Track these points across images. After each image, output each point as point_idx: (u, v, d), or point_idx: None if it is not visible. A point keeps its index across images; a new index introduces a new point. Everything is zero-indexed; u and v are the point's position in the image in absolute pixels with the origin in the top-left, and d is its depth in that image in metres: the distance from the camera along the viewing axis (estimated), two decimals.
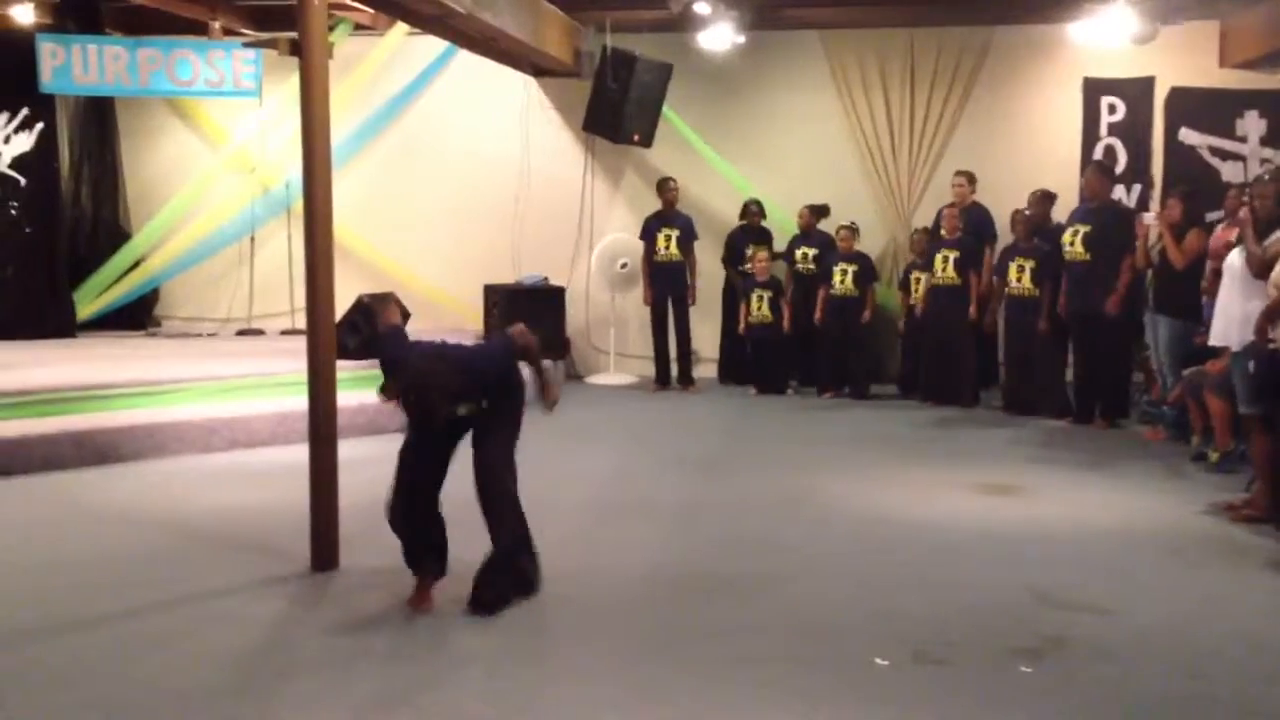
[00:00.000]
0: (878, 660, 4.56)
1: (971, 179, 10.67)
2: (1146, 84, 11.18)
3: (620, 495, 7.36)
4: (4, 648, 4.73)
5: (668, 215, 11.43)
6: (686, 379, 11.48)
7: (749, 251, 11.36)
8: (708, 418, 10.15)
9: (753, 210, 11.48)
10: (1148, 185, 11.21)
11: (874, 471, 8.01)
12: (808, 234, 11.30)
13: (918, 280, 10.76)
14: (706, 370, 11.88)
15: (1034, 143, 11.47)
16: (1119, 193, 10.92)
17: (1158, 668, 4.56)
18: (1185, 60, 11.07)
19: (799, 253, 11.26)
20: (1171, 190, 9.58)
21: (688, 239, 11.34)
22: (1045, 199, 10.40)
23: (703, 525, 6.69)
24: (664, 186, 11.50)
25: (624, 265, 11.85)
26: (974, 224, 10.55)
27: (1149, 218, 9.63)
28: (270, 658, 4.67)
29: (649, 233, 11.43)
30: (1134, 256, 9.40)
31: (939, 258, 10.48)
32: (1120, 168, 11.15)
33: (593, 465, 8.19)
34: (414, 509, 5.24)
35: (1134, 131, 11.26)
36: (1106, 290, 9.42)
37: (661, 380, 11.53)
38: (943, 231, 10.59)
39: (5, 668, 4.52)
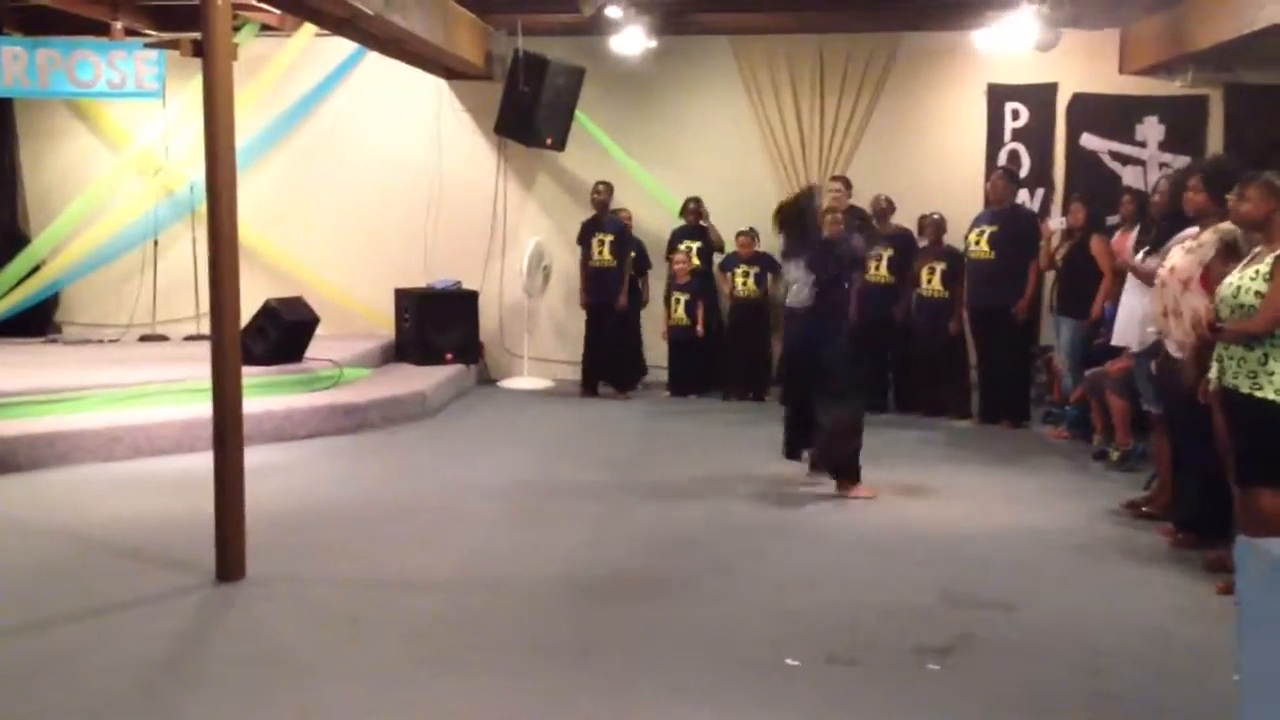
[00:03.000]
0: (789, 661, 4.60)
1: (848, 184, 10.83)
2: (1049, 90, 11.41)
3: (534, 499, 7.33)
4: None
5: (600, 220, 11.38)
6: (623, 385, 11.39)
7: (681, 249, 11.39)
8: (623, 421, 10.14)
9: (690, 208, 11.46)
10: (1050, 189, 11.45)
11: (782, 474, 8.06)
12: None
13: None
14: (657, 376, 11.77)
15: (940, 148, 11.64)
16: (1023, 197, 11.14)
17: (1062, 663, 4.66)
18: (1086, 66, 11.32)
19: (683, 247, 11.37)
20: (1074, 195, 9.82)
21: (622, 244, 11.28)
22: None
23: (615, 529, 6.68)
24: (592, 191, 11.45)
25: (547, 267, 11.83)
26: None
27: (1054, 222, 9.87)
28: (176, 670, 4.57)
29: (584, 238, 11.37)
30: (1038, 260, 9.61)
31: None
32: (1024, 172, 11.36)
33: (503, 470, 8.14)
34: None
35: (1037, 137, 11.49)
36: (1011, 289, 9.66)
37: (588, 386, 11.43)
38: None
39: None
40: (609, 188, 11.41)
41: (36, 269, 11.92)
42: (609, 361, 11.39)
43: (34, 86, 11.22)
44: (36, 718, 4.09)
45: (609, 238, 11.26)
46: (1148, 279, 6.68)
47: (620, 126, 11.89)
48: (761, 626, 5.04)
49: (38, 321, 12.08)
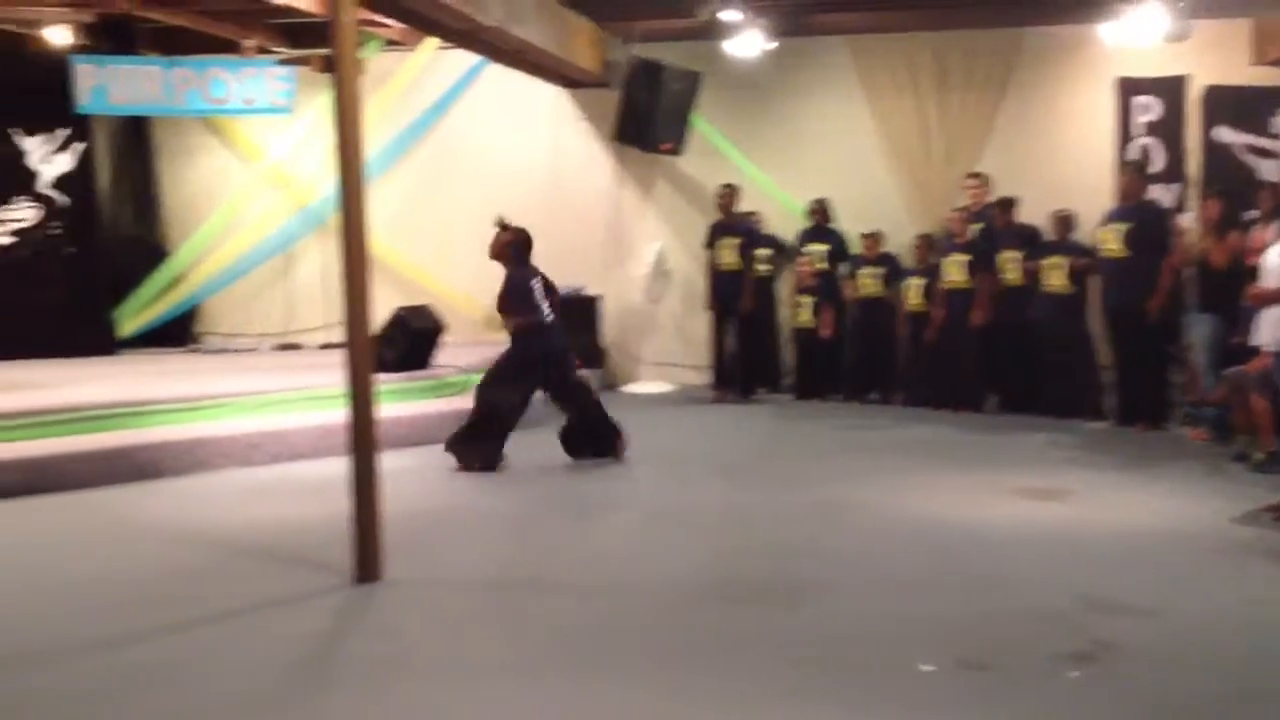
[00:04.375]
0: (922, 666, 4.55)
1: (985, 180, 10.68)
2: (1180, 83, 11.10)
3: (657, 503, 7.36)
4: (43, 666, 4.77)
5: (727, 223, 11.37)
6: (751, 389, 11.36)
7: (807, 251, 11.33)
8: (748, 425, 10.12)
9: (815, 210, 11.40)
10: (1184, 185, 11.12)
11: (911, 477, 7.97)
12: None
13: (916, 286, 10.75)
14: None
15: (1067, 143, 11.40)
16: (1156, 193, 10.84)
17: (1204, 670, 4.52)
18: (1218, 58, 10.98)
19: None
20: (1209, 189, 9.53)
21: (750, 246, 11.27)
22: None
23: (742, 532, 6.68)
24: (717, 194, 11.43)
25: (668, 272, 11.87)
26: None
27: (1188, 218, 9.59)
28: (314, 670, 4.70)
29: (710, 241, 11.38)
30: (1173, 257, 9.36)
31: (949, 262, 10.49)
32: (1156, 168, 11.06)
33: (627, 474, 8.20)
34: None
35: (1168, 131, 11.17)
36: (1144, 286, 9.41)
37: (721, 389, 11.42)
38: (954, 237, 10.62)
39: (46, 686, 4.55)
40: (733, 190, 11.40)
41: (177, 281, 12.37)
42: (737, 365, 11.37)
43: (170, 104, 11.63)
44: (179, 716, 4.24)
45: (735, 241, 11.24)
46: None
47: (738, 130, 11.89)
48: (888, 630, 4.99)
49: (179, 332, 12.55)
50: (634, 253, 12.16)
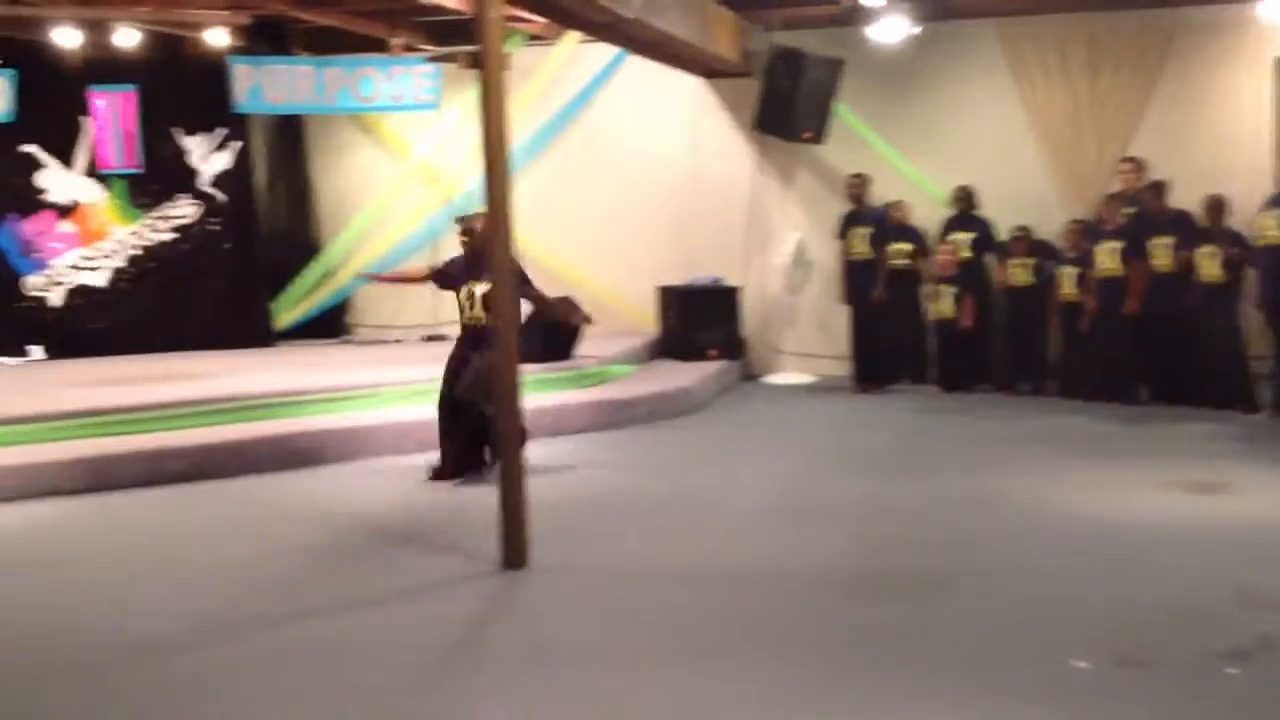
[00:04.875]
0: (1077, 663, 4.45)
1: (1140, 164, 10.32)
2: None
3: (798, 495, 7.34)
4: (201, 645, 4.99)
5: (859, 212, 11.27)
6: (885, 381, 11.22)
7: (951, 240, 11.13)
8: (889, 417, 10.00)
9: (960, 197, 11.20)
10: None
11: (1060, 470, 7.79)
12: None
13: (1066, 275, 10.45)
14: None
15: (1223, 126, 10.95)
16: None
17: None
18: None
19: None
20: None
21: (881, 236, 11.15)
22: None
23: (882, 525, 6.62)
24: (848, 184, 11.34)
25: (808, 262, 11.79)
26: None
27: None
28: (462, 653, 4.82)
29: (843, 231, 11.30)
30: None
31: (1101, 249, 10.19)
32: None
33: (769, 465, 8.19)
34: None
35: None
36: None
37: (862, 380, 11.34)
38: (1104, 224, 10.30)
39: (219, 661, 4.77)
40: (864, 180, 11.28)
41: (330, 275, 12.75)
42: (877, 356, 11.24)
43: (322, 103, 11.99)
44: (334, 695, 4.40)
45: (867, 230, 11.13)
46: None
47: (881, 117, 11.73)
48: (1037, 626, 4.90)
49: (332, 324, 12.93)
50: (774, 243, 12.11)
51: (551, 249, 12.39)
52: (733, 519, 6.81)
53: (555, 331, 10.30)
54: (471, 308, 7.71)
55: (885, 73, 11.52)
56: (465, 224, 7.86)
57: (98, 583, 5.88)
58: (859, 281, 11.19)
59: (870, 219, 11.19)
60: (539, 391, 9.51)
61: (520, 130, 11.57)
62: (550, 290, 10.95)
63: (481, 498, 6.32)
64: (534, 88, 12.16)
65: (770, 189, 12.28)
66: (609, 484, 7.76)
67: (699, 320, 11.73)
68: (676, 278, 12.12)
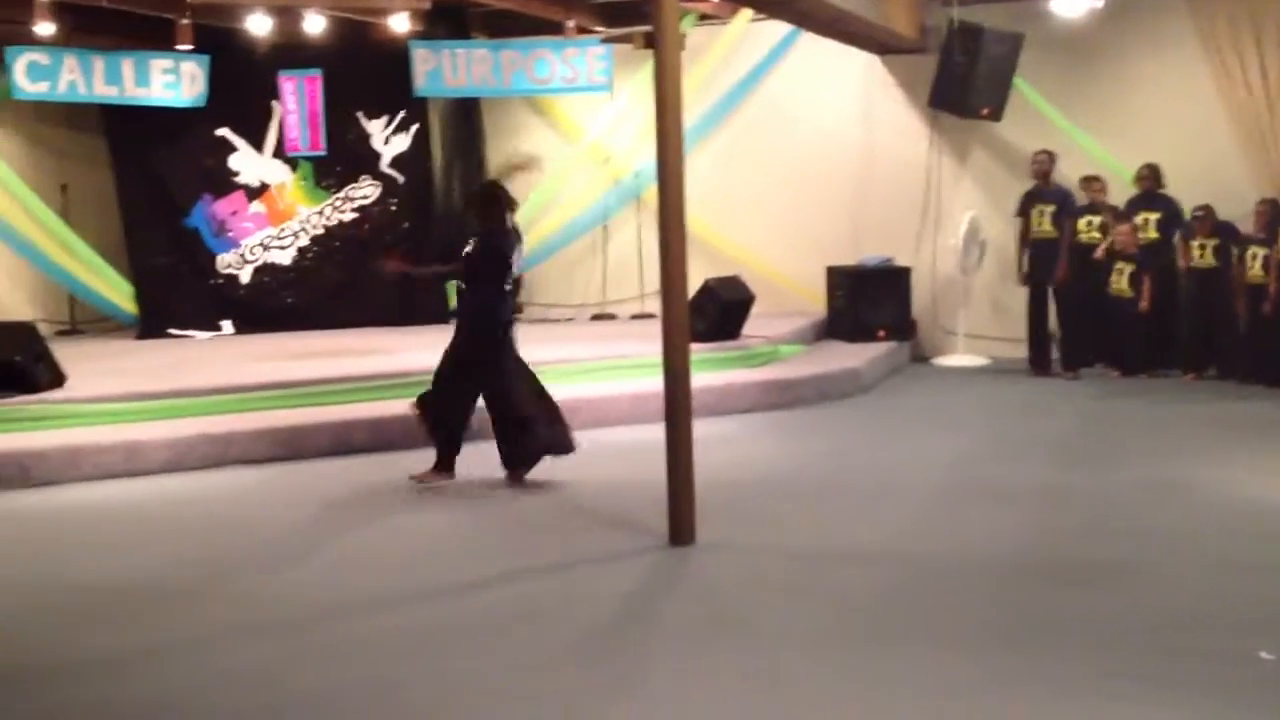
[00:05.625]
0: (1263, 655, 4.28)
1: None
2: None
3: (970, 479, 7.21)
4: (370, 613, 5.16)
5: (1044, 190, 10.94)
6: (1065, 364, 10.88)
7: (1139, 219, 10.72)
8: (1065, 401, 9.73)
9: (1144, 175, 10.80)
10: None
11: (1246, 457, 7.48)
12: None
13: (1254, 256, 9.94)
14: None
15: None
16: None
17: None
18: None
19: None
20: None
21: (1065, 214, 10.80)
22: None
23: (1060, 509, 6.46)
24: (1032, 160, 10.99)
25: (983, 242, 11.52)
26: None
27: None
28: (632, 625, 4.90)
29: (1024, 209, 10.99)
30: None
31: None
32: None
33: (940, 448, 8.06)
34: None
35: None
36: None
37: (1038, 364, 11.03)
38: None
39: (371, 632, 4.92)
40: (1051, 156, 10.92)
41: None
42: (1056, 337, 10.87)
43: (498, 85, 12.23)
44: (512, 661, 4.52)
45: (1050, 208, 10.80)
46: None
47: (1063, 93, 11.37)
48: (1221, 615, 4.73)
49: None
50: (948, 222, 11.87)
51: (720, 229, 12.40)
52: (903, 502, 6.74)
53: (725, 310, 10.31)
54: None
55: (1067, 47, 11.17)
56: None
57: (296, 546, 6.17)
58: (1041, 261, 10.86)
59: (1054, 196, 10.85)
60: (707, 370, 9.56)
61: (691, 110, 11.62)
62: (718, 271, 11.05)
63: (648, 475, 6.38)
64: (705, 68, 12.17)
65: (945, 167, 12.04)
66: (775, 463, 7.76)
67: (868, 301, 11.60)
68: (846, 257, 11.99)
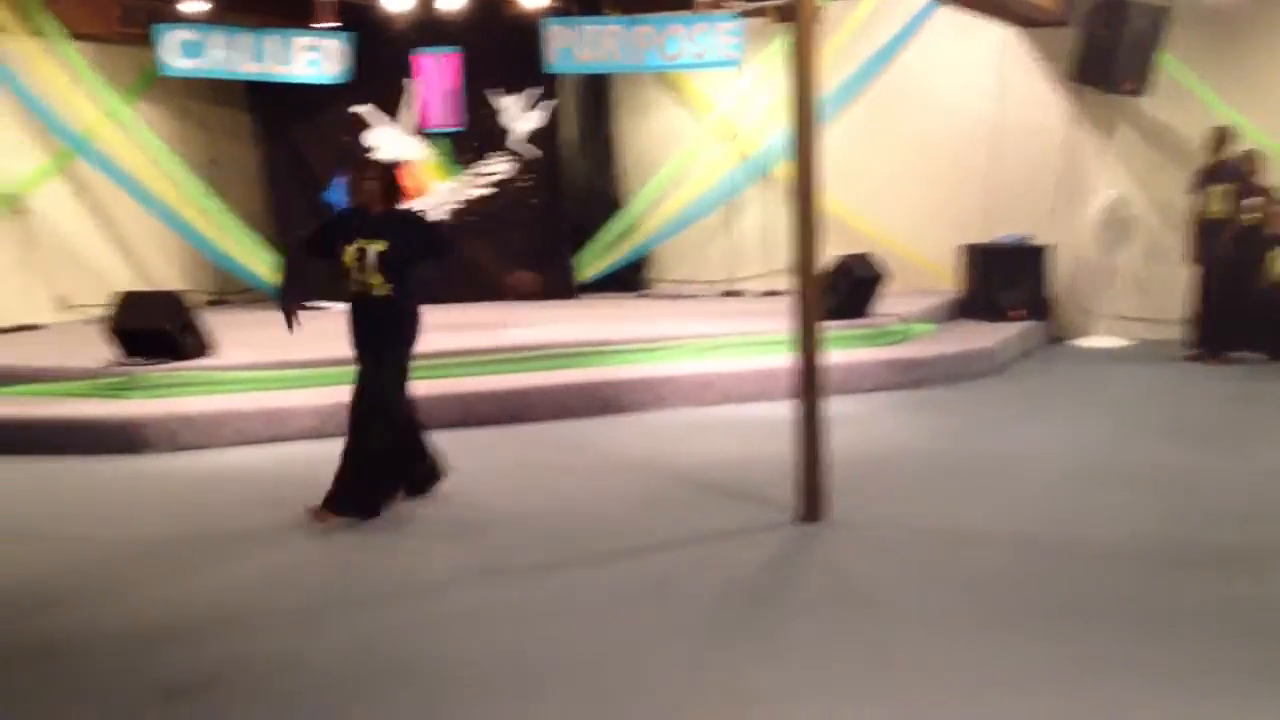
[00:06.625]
0: None
1: None
2: None
3: (1106, 462, 7.03)
4: (501, 582, 5.25)
5: (1220, 167, 10.45)
6: (1217, 347, 10.43)
7: None
8: (1211, 388, 9.41)
9: None
10: None
11: None
12: None
13: None
14: None
15: None
16: None
17: None
18: None
19: None
20: None
21: (1243, 193, 10.32)
22: None
23: (1197, 494, 6.27)
24: (1210, 136, 10.47)
25: (1127, 221, 11.17)
26: None
27: None
28: (763, 600, 4.91)
29: (1198, 186, 10.54)
30: None
31: None
32: None
33: (1076, 430, 7.88)
34: None
35: None
36: None
37: (1205, 346, 10.45)
38: None
39: (500, 602, 5.01)
40: (1224, 133, 10.27)
41: (631, 231, 13.08)
42: (1212, 319, 10.44)
43: (630, 61, 12.27)
44: (644, 633, 4.56)
45: (1226, 187, 10.31)
46: None
47: (1211, 68, 10.96)
48: None
49: (631, 278, 13.27)
50: (1088, 200, 11.56)
51: (851, 205, 12.27)
52: (1033, 484, 6.61)
53: (856, 287, 10.22)
54: (361, 270, 6.00)
55: (1217, 21, 10.78)
56: (362, 164, 6.45)
57: (432, 514, 6.30)
58: (1211, 241, 10.40)
59: (1230, 175, 10.40)
60: (836, 348, 9.48)
61: (825, 85, 11.50)
62: (848, 247, 10.92)
63: (776, 451, 6.37)
64: (839, 41, 12.02)
65: (1086, 143, 11.73)
66: (906, 443, 7.68)
67: (1003, 279, 11.37)
68: (980, 235, 11.77)
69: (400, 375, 6.13)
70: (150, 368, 8.52)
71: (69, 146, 11.57)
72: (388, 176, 6.17)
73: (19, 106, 11.31)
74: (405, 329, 6.12)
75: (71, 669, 4.40)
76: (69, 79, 11.42)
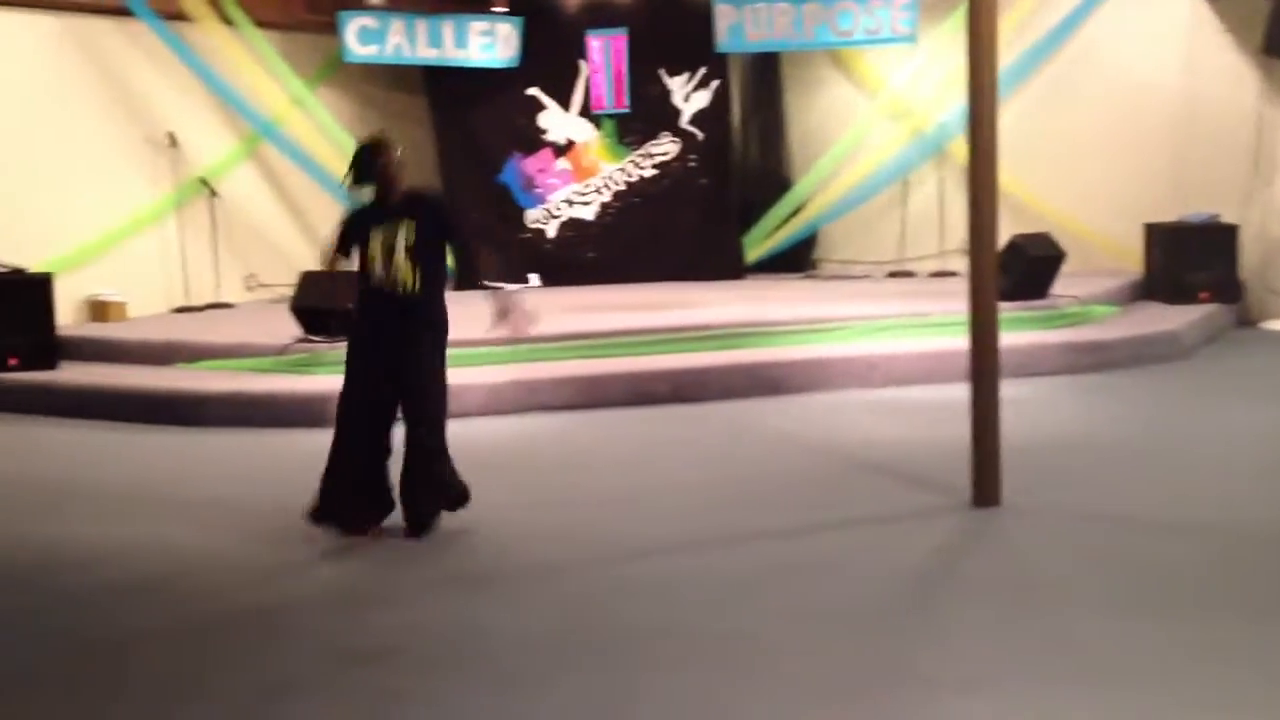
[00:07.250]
0: None
1: None
2: None
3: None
4: (678, 555, 5.28)
5: None
6: None
7: None
8: None
9: None
10: None
11: None
12: None
13: None
14: None
15: None
16: None
17: None
18: None
19: None
20: None
21: None
22: None
23: None
24: None
25: None
26: None
27: None
28: (936, 585, 4.84)
29: None
30: None
31: None
32: None
33: (1263, 418, 7.50)
34: None
35: None
36: None
37: None
38: None
39: (665, 573, 5.04)
40: None
41: (798, 210, 12.98)
42: None
43: (800, 39, 12.19)
44: (816, 611, 4.55)
45: None
46: None
47: None
48: None
49: (798, 258, 13.18)
50: (1278, 178, 11.01)
51: (1030, 182, 11.93)
52: (1216, 473, 6.34)
53: (1033, 267, 9.95)
54: (389, 265, 5.44)
55: None
56: (378, 144, 5.71)
57: (600, 490, 6.42)
58: None
59: None
60: (1009, 329, 9.24)
61: (1002, 60, 11.17)
62: (1025, 227, 10.62)
63: (949, 435, 6.25)
64: (1018, 14, 11.68)
65: (1278, 118, 11.15)
66: (1084, 428, 7.46)
67: (1190, 260, 10.91)
68: (1164, 214, 11.31)
69: (444, 378, 5.64)
70: (331, 345, 8.82)
71: (257, 131, 12.04)
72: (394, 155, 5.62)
73: (210, 93, 11.80)
74: (441, 329, 5.65)
75: (266, 632, 4.61)
76: (256, 65, 11.88)
